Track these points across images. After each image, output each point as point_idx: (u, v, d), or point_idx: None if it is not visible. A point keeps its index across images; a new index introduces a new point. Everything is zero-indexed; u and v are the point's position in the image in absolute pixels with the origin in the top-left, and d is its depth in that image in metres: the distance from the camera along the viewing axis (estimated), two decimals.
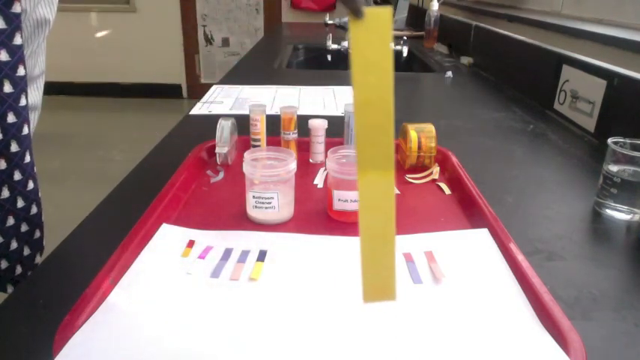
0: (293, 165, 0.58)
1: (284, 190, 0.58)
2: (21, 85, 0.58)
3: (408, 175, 0.73)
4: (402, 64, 1.94)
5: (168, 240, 0.53)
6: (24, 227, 0.64)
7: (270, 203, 0.57)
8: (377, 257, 0.30)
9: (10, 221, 0.62)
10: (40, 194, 0.66)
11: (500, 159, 0.83)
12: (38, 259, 0.68)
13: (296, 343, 0.39)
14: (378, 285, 0.30)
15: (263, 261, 0.50)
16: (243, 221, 0.59)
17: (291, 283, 0.47)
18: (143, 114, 4.24)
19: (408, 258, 0.51)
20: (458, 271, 0.49)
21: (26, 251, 0.65)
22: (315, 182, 0.71)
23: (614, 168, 0.62)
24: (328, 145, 0.72)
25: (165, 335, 0.39)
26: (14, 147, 0.59)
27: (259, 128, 0.75)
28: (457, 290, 0.46)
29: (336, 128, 0.81)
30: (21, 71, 0.58)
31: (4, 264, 0.63)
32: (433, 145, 0.73)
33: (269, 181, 0.57)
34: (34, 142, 0.63)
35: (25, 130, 0.60)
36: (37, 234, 0.67)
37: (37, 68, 0.67)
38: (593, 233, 0.60)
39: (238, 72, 1.50)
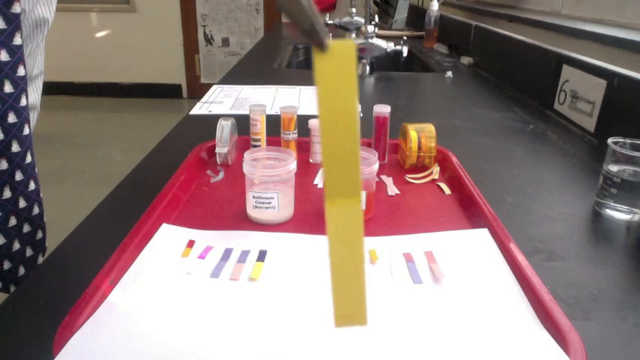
0: (293, 165, 0.58)
1: (284, 190, 0.58)
2: (21, 85, 0.58)
3: (408, 175, 0.73)
4: (402, 64, 1.94)
5: (168, 240, 0.53)
6: (26, 228, 0.64)
7: (270, 203, 0.57)
8: (347, 284, 0.30)
9: (13, 222, 0.62)
10: (41, 195, 0.66)
11: (500, 159, 0.83)
12: (40, 261, 0.68)
13: (296, 342, 0.39)
14: (349, 311, 0.31)
15: (263, 261, 0.50)
16: (243, 221, 0.59)
17: (291, 283, 0.47)
18: (143, 114, 4.24)
19: (408, 258, 0.51)
20: (458, 271, 0.49)
21: (29, 252, 0.65)
22: (315, 182, 0.71)
23: (614, 168, 0.62)
24: None
25: (165, 335, 0.39)
26: (15, 147, 0.59)
27: (259, 128, 0.75)
28: (457, 290, 0.46)
29: None
30: (21, 71, 0.58)
31: (7, 265, 0.63)
32: (433, 145, 0.73)
33: (269, 181, 0.57)
34: (34, 142, 0.63)
35: (26, 130, 0.60)
36: (40, 235, 0.67)
37: (35, 68, 0.67)
38: (593, 233, 0.60)
39: (238, 72, 1.50)
